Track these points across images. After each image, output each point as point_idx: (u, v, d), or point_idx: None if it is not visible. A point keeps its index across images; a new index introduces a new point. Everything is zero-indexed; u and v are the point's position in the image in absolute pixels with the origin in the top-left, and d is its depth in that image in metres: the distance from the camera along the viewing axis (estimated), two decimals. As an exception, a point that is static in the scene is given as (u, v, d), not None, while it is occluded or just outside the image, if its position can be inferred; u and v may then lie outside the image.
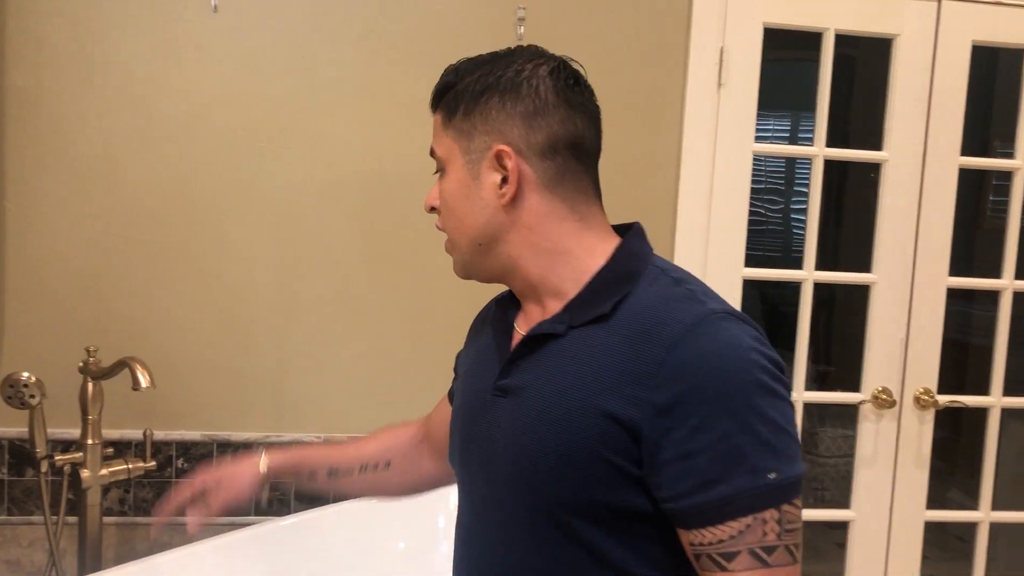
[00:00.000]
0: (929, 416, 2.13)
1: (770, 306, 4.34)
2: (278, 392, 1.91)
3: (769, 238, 4.80)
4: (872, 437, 2.13)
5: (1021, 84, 2.14)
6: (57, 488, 1.77)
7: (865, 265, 2.11)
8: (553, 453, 0.86)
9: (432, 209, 0.99)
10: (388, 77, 1.89)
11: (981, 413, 2.20)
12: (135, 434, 1.83)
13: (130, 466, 1.75)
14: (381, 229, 1.92)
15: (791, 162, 4.83)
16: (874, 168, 2.12)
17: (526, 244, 0.93)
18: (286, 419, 1.90)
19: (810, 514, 2.26)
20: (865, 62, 3.74)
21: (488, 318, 1.06)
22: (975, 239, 3.56)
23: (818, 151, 2.07)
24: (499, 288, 1.02)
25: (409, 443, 1.26)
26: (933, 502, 2.16)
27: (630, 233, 0.96)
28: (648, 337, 0.84)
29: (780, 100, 4.39)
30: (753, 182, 2.05)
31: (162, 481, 1.88)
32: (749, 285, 2.07)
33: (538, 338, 0.92)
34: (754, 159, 2.03)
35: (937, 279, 2.10)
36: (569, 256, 0.93)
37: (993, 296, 2.18)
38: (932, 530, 2.18)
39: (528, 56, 0.94)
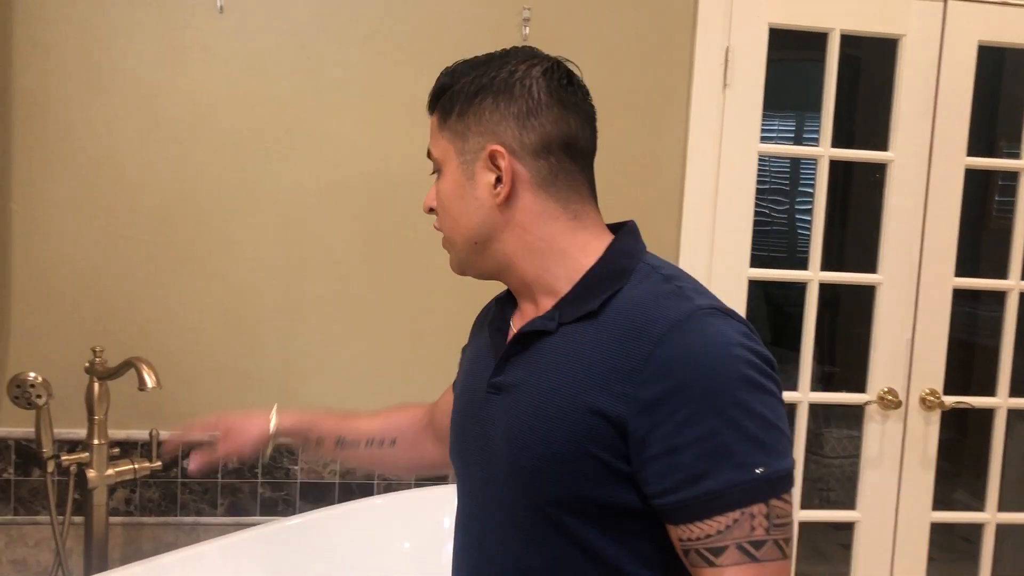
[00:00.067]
0: (935, 417, 2.12)
1: (775, 307, 4.33)
2: (284, 392, 1.91)
3: (774, 238, 4.79)
4: (878, 438, 2.12)
5: (1027, 84, 2.13)
6: (63, 488, 1.78)
7: (871, 266, 2.11)
8: (543, 450, 0.87)
9: (430, 210, 1.01)
10: (393, 78, 1.89)
11: (987, 414, 2.19)
12: (141, 434, 1.83)
13: (136, 466, 1.75)
14: (387, 230, 1.92)
15: (795, 162, 4.83)
16: (879, 168, 2.11)
17: (520, 243, 0.94)
18: (291, 419, 1.90)
19: (815, 515, 2.26)
20: (870, 62, 3.74)
21: (488, 317, 1.07)
22: (981, 239, 3.55)
23: (824, 151, 2.07)
24: (501, 287, 1.03)
25: (415, 425, 1.28)
26: (939, 503, 2.15)
27: (622, 231, 0.97)
28: (637, 334, 0.85)
29: (785, 100, 4.39)
30: (758, 182, 2.04)
31: (168, 481, 1.88)
32: (754, 286, 2.07)
33: (530, 335, 0.93)
34: (759, 159, 2.03)
35: (943, 279, 2.09)
36: (563, 255, 0.94)
37: (999, 296, 2.18)
38: (938, 531, 2.18)
39: (522, 57, 0.95)
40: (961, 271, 2.10)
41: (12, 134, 1.79)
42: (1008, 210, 2.20)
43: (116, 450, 1.76)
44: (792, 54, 2.25)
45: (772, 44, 2.01)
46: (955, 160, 2.07)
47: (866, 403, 2.11)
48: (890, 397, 2.08)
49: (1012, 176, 2.17)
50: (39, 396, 1.71)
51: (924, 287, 2.09)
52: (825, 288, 2.12)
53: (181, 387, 1.86)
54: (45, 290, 1.83)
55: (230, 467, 1.90)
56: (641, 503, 0.84)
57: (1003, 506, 2.20)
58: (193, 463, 1.27)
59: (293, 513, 1.91)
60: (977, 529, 2.22)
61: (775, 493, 0.80)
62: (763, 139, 2.04)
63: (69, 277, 1.83)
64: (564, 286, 0.93)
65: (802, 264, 2.12)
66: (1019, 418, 2.40)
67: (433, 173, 1.00)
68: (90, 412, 1.71)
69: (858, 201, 4.09)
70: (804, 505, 2.15)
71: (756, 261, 2.06)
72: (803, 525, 2.15)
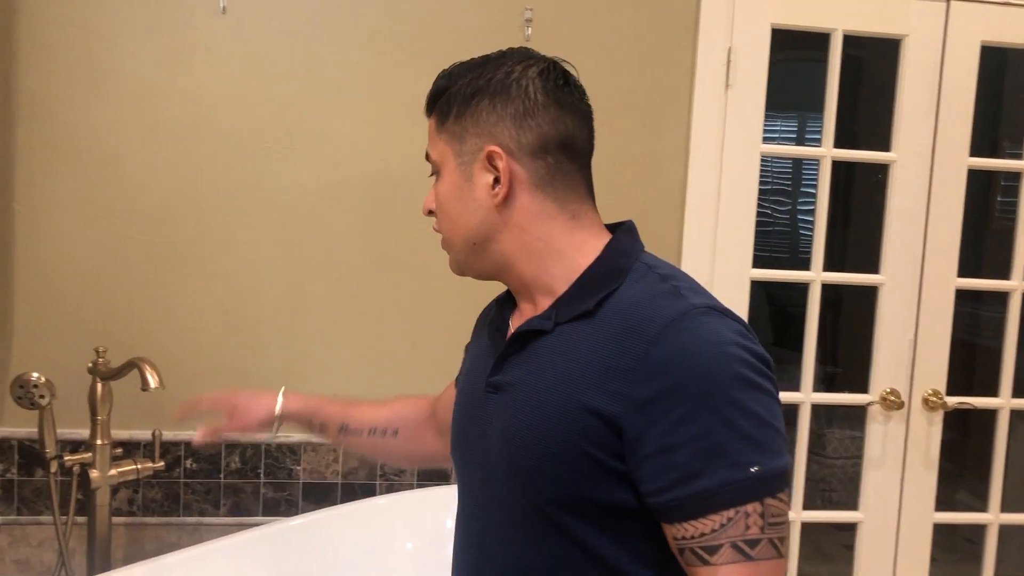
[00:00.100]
0: (937, 417, 2.12)
1: (777, 307, 4.33)
2: (286, 393, 1.91)
3: (776, 239, 4.79)
4: (880, 439, 2.12)
5: (1030, 84, 2.13)
6: (66, 488, 1.78)
7: (873, 266, 2.11)
8: (540, 449, 0.88)
9: (430, 212, 1.01)
10: (395, 78, 1.89)
11: (990, 415, 2.19)
12: (144, 434, 1.83)
13: (139, 466, 1.75)
14: (388, 230, 1.92)
15: (797, 163, 4.82)
16: (881, 169, 2.11)
17: (519, 243, 0.95)
18: (294, 420, 1.90)
19: (818, 516, 2.26)
20: (873, 63, 3.73)
21: (488, 317, 1.08)
22: (983, 240, 3.55)
23: (826, 152, 2.07)
24: (501, 287, 1.04)
25: (418, 417, 1.30)
26: (942, 504, 2.15)
27: (620, 231, 0.98)
28: (632, 333, 0.85)
29: (787, 101, 4.38)
30: (760, 183, 2.04)
31: (171, 481, 1.88)
32: (756, 286, 2.07)
33: (527, 334, 0.94)
34: (761, 160, 2.03)
35: (945, 280, 2.09)
36: (560, 255, 0.94)
37: (1002, 297, 2.17)
38: (941, 532, 2.18)
39: (518, 58, 0.96)
40: (963, 271, 2.10)
41: (15, 134, 1.79)
42: (1010, 210, 2.20)
43: (119, 450, 1.76)
44: (794, 54, 2.25)
45: (774, 44, 2.01)
46: (957, 160, 2.07)
47: (868, 404, 2.11)
48: (892, 398, 2.08)
49: (1014, 176, 2.17)
50: (42, 396, 1.72)
51: (926, 287, 2.09)
52: (827, 289, 2.12)
53: (184, 387, 1.85)
54: (48, 291, 1.83)
55: (232, 467, 1.90)
56: (637, 502, 0.85)
57: (1006, 507, 2.19)
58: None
59: (296, 513, 1.91)
60: (980, 530, 2.22)
61: (770, 492, 0.80)
62: (765, 139, 2.04)
63: (72, 277, 1.83)
64: (562, 286, 0.94)
65: (804, 265, 2.11)
66: (1022, 419, 2.39)
67: (431, 175, 1.00)
68: (93, 412, 1.72)
69: (860, 202, 4.09)
70: (806, 506, 2.15)
71: (758, 262, 2.06)
72: (805, 526, 2.15)
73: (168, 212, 1.85)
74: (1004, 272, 2.16)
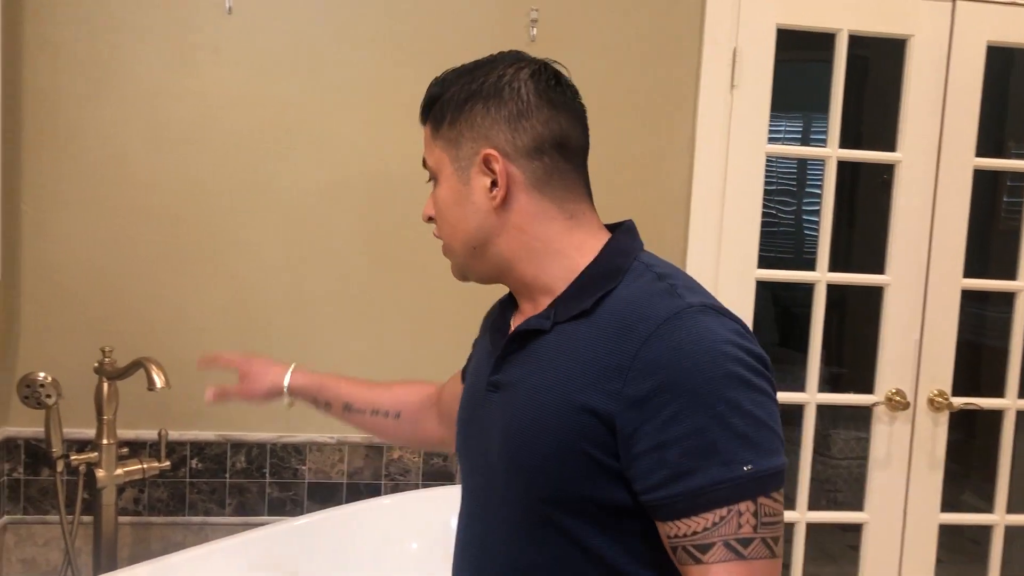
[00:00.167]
0: (943, 418, 2.12)
1: (782, 308, 4.33)
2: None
3: (781, 239, 4.79)
4: (886, 439, 2.12)
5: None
6: (72, 488, 1.78)
7: (878, 266, 2.10)
8: (538, 448, 0.88)
9: (430, 219, 1.02)
10: (401, 79, 1.89)
11: (996, 415, 2.19)
12: (150, 434, 1.84)
13: (145, 466, 1.76)
14: (392, 230, 1.92)
15: (802, 163, 4.82)
16: (887, 169, 2.11)
17: (518, 244, 0.95)
18: (299, 419, 1.90)
19: (823, 516, 2.26)
20: (878, 63, 3.73)
21: (491, 318, 1.09)
22: (990, 240, 3.53)
23: (831, 152, 2.07)
24: (502, 289, 1.04)
25: (421, 402, 1.32)
26: (947, 505, 2.14)
27: (620, 230, 0.98)
28: (627, 331, 0.85)
29: (793, 101, 4.38)
30: (765, 183, 2.04)
31: (176, 481, 1.89)
32: (761, 287, 2.07)
33: (526, 334, 0.94)
34: (766, 160, 2.03)
35: (951, 280, 2.09)
36: (559, 255, 0.95)
37: (1008, 297, 2.17)
38: (946, 533, 2.17)
39: (509, 61, 0.96)
40: (969, 272, 2.10)
41: (22, 134, 1.80)
42: (1017, 211, 2.20)
43: (125, 450, 1.77)
44: (800, 55, 2.24)
45: (780, 45, 2.01)
46: (963, 161, 2.07)
47: (874, 404, 2.11)
48: (898, 398, 2.08)
49: (1021, 177, 2.17)
50: (48, 396, 1.72)
51: (932, 288, 2.08)
52: (833, 289, 2.12)
53: (190, 387, 1.86)
54: (54, 290, 1.83)
55: (238, 466, 1.90)
56: (634, 501, 0.85)
57: (1012, 508, 2.19)
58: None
59: (301, 513, 1.91)
60: (986, 531, 2.22)
61: (763, 491, 0.80)
62: (770, 140, 2.04)
63: (78, 277, 1.84)
64: (561, 285, 0.94)
65: (810, 265, 2.11)
66: (1028, 420, 2.39)
67: (429, 181, 1.01)
68: (99, 412, 1.72)
69: (866, 202, 4.08)
70: (811, 506, 2.15)
71: (763, 262, 2.06)
72: (810, 526, 2.15)
73: (175, 212, 1.86)
74: (1010, 272, 2.15)
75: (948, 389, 2.10)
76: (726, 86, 1.99)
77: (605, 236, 0.97)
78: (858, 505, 2.16)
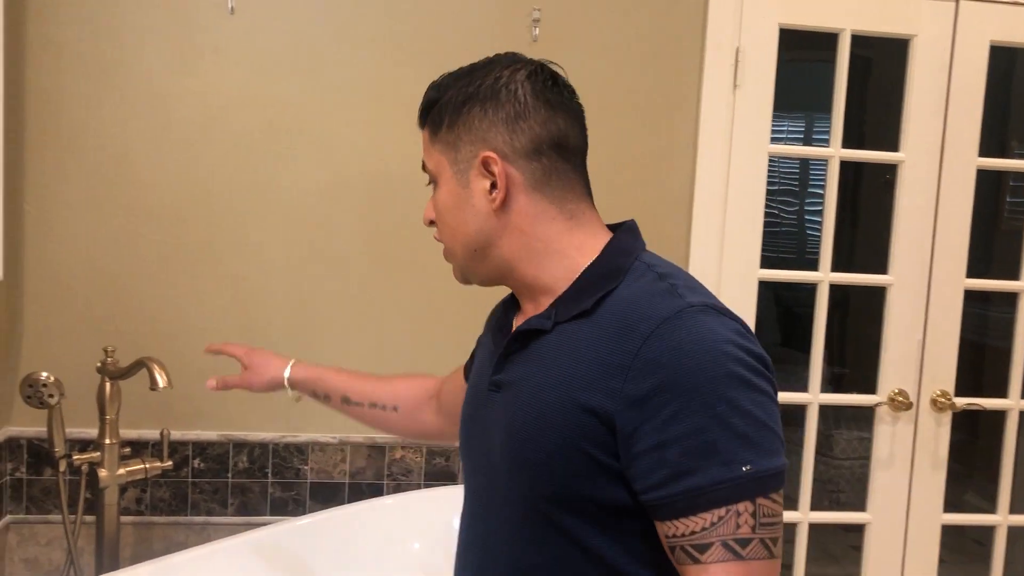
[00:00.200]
0: (946, 418, 2.11)
1: (785, 308, 4.32)
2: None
3: (784, 240, 4.78)
4: (888, 439, 2.11)
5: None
6: (75, 487, 1.79)
7: (881, 266, 2.10)
8: (542, 445, 0.88)
9: (431, 223, 1.02)
10: (404, 79, 1.89)
11: (999, 415, 2.18)
12: (152, 434, 1.84)
13: (147, 466, 1.76)
14: (395, 230, 1.92)
15: (805, 163, 4.81)
16: (890, 169, 2.10)
17: (519, 246, 0.95)
18: (302, 419, 1.91)
19: (825, 517, 2.25)
20: (881, 63, 3.72)
21: (494, 318, 1.09)
22: (992, 240, 3.53)
23: (834, 152, 2.06)
24: (503, 289, 1.04)
25: (420, 395, 1.34)
26: (950, 505, 2.14)
27: (621, 230, 0.98)
28: (627, 331, 0.85)
29: (795, 101, 4.38)
30: (768, 183, 2.04)
31: (179, 481, 1.89)
32: (764, 287, 2.07)
33: (527, 334, 0.94)
34: (769, 160, 2.03)
35: (954, 280, 2.08)
36: (560, 255, 0.95)
37: (1011, 298, 2.17)
38: (949, 533, 2.17)
39: (506, 63, 0.96)
40: (972, 272, 2.09)
41: (25, 134, 1.80)
42: (1020, 211, 2.19)
43: (127, 449, 1.77)
44: (802, 54, 2.24)
45: (782, 44, 2.01)
46: (967, 160, 2.06)
47: (877, 404, 2.11)
48: (901, 398, 2.08)
49: (1024, 177, 2.16)
50: (51, 396, 1.72)
51: (935, 288, 2.08)
52: (835, 289, 2.12)
53: (192, 387, 1.86)
54: (57, 290, 1.84)
55: (240, 466, 1.90)
56: (634, 501, 0.85)
57: (1015, 508, 2.19)
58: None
59: (303, 513, 1.91)
60: (988, 531, 2.21)
61: (763, 491, 0.80)
62: (773, 140, 2.04)
63: (81, 277, 1.84)
64: (562, 285, 0.94)
65: (812, 265, 2.11)
66: (1031, 420, 2.38)
67: (429, 184, 1.01)
68: (102, 412, 1.72)
69: (868, 202, 4.08)
70: (814, 507, 2.14)
71: (766, 262, 2.06)
72: (813, 527, 2.15)
73: (177, 212, 1.86)
74: (1013, 272, 2.15)
75: (951, 389, 2.10)
76: (728, 86, 1.99)
77: (606, 236, 0.97)
78: (860, 505, 2.16)
